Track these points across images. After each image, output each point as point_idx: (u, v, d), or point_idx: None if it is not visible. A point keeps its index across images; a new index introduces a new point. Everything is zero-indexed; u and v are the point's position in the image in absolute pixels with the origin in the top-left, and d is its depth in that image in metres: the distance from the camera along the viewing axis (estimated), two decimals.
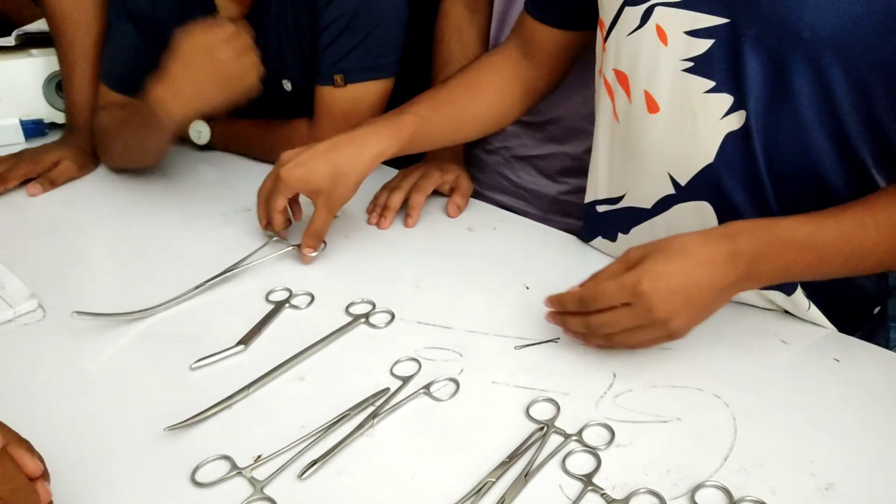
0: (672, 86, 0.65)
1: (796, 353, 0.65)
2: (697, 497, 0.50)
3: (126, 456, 0.54)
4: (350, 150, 0.76)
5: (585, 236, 0.83)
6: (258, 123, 1.04)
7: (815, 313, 0.68)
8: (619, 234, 0.78)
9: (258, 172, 1.03)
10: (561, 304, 0.62)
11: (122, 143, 0.95)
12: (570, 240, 0.86)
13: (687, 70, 0.63)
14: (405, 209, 0.89)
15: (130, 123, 0.91)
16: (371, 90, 0.94)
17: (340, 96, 0.93)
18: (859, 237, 0.59)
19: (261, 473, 0.52)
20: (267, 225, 0.81)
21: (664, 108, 0.66)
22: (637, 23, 0.65)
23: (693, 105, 0.64)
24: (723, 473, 0.52)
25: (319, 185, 0.75)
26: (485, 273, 0.78)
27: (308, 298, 0.73)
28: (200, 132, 1.06)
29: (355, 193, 0.78)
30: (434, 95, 0.84)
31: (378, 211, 0.89)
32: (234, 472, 0.52)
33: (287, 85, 0.99)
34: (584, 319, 0.60)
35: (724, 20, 0.60)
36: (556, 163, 1.01)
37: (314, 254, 0.78)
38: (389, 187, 0.91)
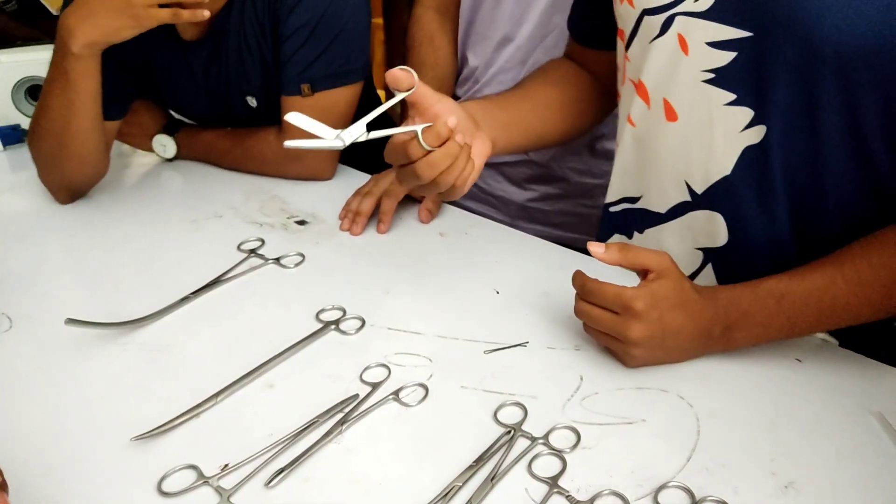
0: (692, 96, 0.64)
1: (759, 353, 0.66)
2: (660, 497, 0.50)
3: (93, 466, 0.54)
4: None
5: (601, 237, 0.83)
6: (226, 134, 1.04)
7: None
8: (635, 233, 0.78)
9: (225, 178, 1.03)
10: (572, 279, 0.64)
11: (47, 120, 0.88)
12: (540, 244, 0.86)
13: (707, 81, 0.62)
14: (377, 215, 0.90)
15: (48, 87, 0.87)
16: (340, 97, 0.95)
17: (309, 106, 0.94)
18: (831, 295, 0.59)
19: (227, 482, 0.52)
20: None
21: (682, 118, 0.66)
22: (657, 31, 0.65)
23: (712, 116, 0.63)
24: (685, 473, 0.53)
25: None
26: (456, 278, 0.79)
27: (280, 306, 0.73)
28: (165, 146, 1.06)
29: None
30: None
31: (350, 217, 0.89)
32: (201, 482, 0.51)
33: (252, 101, 0.99)
34: (577, 299, 0.64)
35: (748, 33, 0.59)
36: (523, 170, 1.02)
37: None
38: (361, 193, 0.92)
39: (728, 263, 0.71)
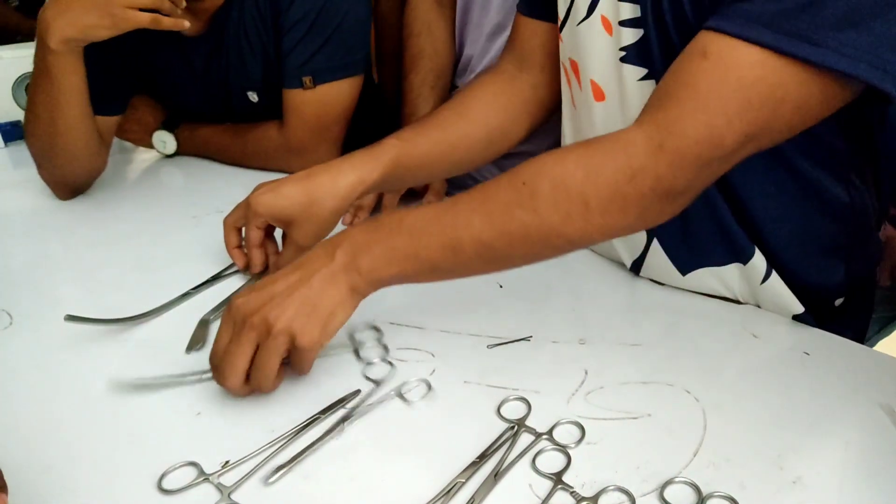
0: (613, 75, 0.66)
1: (767, 347, 0.65)
2: (666, 493, 0.50)
3: (92, 464, 0.53)
4: (326, 177, 0.70)
5: None
6: (227, 129, 1.03)
7: (776, 282, 0.68)
8: None
9: (226, 174, 1.03)
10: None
11: (34, 117, 0.88)
12: None
13: (622, 59, 0.65)
14: (379, 209, 0.89)
15: (33, 83, 0.86)
16: (342, 89, 0.94)
17: (311, 98, 0.93)
18: (453, 211, 0.57)
19: (228, 479, 0.51)
20: (246, 266, 0.74)
21: (608, 97, 0.68)
22: (585, 13, 0.67)
23: (630, 93, 0.65)
24: (692, 469, 0.52)
25: (291, 213, 0.70)
26: None
27: None
28: (165, 142, 1.05)
29: (332, 228, 0.72)
30: (420, 120, 0.80)
31: (352, 211, 0.89)
32: (201, 479, 0.51)
33: (253, 96, 0.99)
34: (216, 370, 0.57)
35: (637, 8, 0.61)
36: (519, 161, 1.01)
37: None
38: None
39: (671, 233, 0.70)
